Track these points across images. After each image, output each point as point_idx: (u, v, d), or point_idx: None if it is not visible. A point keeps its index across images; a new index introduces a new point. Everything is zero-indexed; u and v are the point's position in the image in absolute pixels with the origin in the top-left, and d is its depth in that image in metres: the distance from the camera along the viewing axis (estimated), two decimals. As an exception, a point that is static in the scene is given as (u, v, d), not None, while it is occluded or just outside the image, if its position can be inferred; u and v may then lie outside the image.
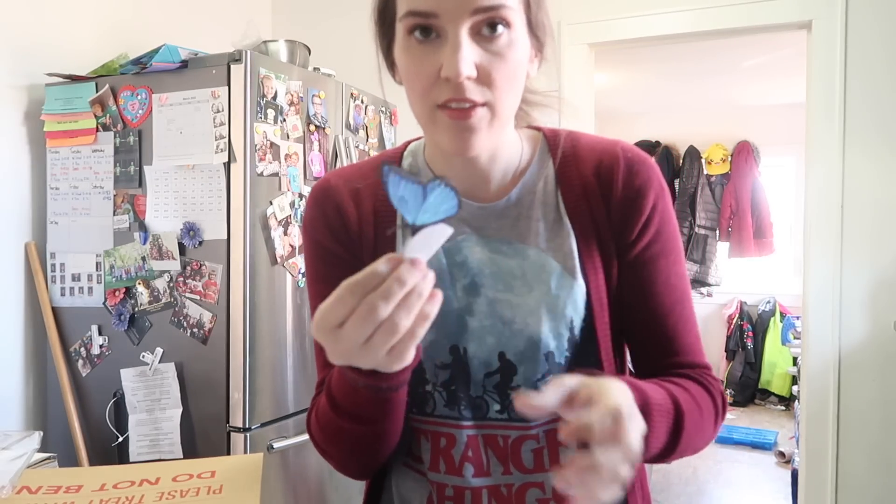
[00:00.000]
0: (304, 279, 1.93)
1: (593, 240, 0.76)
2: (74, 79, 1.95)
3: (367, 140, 2.25)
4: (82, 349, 1.91)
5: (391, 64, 0.74)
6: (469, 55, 0.64)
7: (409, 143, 0.85)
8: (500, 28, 0.65)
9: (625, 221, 0.75)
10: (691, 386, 0.74)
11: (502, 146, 0.76)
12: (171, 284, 1.82)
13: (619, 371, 0.80)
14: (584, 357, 0.76)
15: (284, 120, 1.86)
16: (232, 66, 1.75)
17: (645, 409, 0.62)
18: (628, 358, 0.82)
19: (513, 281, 0.75)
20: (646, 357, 0.79)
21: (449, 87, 0.64)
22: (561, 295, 0.74)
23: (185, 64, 1.80)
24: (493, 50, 0.65)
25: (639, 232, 0.75)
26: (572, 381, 0.57)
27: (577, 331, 0.75)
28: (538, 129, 0.83)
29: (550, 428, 0.76)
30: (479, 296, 0.75)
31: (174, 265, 1.81)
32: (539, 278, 0.75)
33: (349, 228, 0.79)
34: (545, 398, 0.55)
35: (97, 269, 1.92)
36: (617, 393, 0.56)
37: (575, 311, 0.74)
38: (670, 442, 0.68)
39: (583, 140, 0.80)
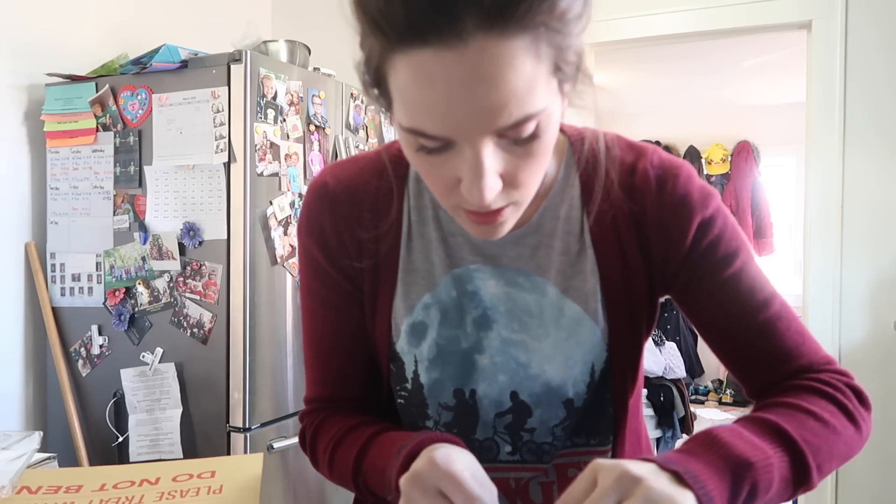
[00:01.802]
0: (304, 279, 1.93)
1: (620, 275, 0.68)
2: (74, 79, 1.95)
3: (367, 140, 2.25)
4: (82, 349, 1.91)
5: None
6: (493, 172, 0.53)
7: None
8: (527, 132, 0.52)
9: (667, 242, 0.68)
10: (802, 399, 0.62)
11: None
12: (171, 284, 1.81)
13: (625, 407, 0.74)
14: (599, 394, 0.71)
15: (284, 120, 1.86)
16: (232, 66, 1.74)
17: (739, 473, 0.54)
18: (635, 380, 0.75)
19: (529, 320, 0.69)
20: (755, 376, 0.69)
21: (472, 203, 0.55)
22: (582, 341, 0.68)
23: (185, 64, 1.80)
24: (519, 152, 0.54)
25: (691, 245, 0.67)
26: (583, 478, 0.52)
27: (597, 374, 0.70)
28: (561, 129, 0.72)
29: (561, 462, 0.73)
30: (491, 330, 0.70)
31: (174, 265, 1.81)
32: (557, 323, 0.69)
33: (346, 246, 0.72)
34: None
35: (97, 269, 1.91)
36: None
37: (596, 356, 0.69)
38: (797, 479, 0.58)
39: (612, 151, 0.69)
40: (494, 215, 0.57)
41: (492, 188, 0.53)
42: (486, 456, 0.72)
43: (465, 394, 0.71)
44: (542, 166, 0.57)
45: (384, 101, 0.57)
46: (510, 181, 0.55)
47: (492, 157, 0.52)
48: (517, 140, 0.53)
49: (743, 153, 5.35)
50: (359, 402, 0.77)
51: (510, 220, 0.59)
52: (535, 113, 0.51)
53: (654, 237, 0.68)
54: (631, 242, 0.68)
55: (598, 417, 0.73)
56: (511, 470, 0.72)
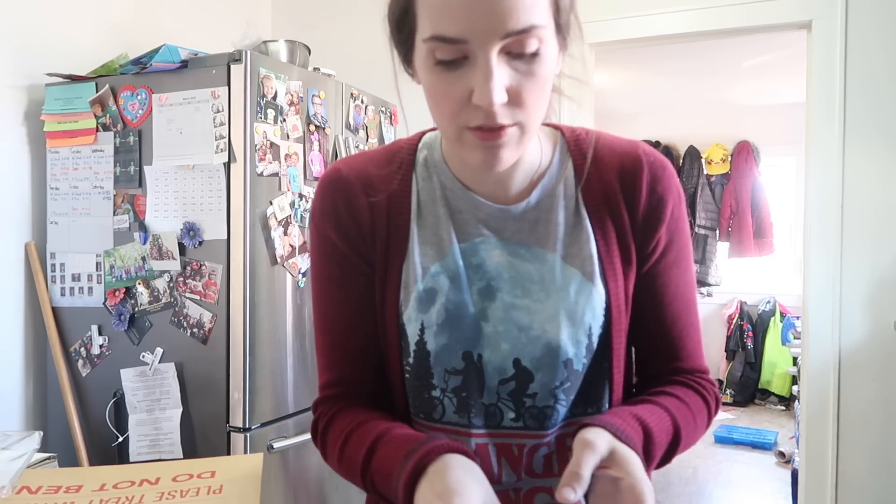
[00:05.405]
0: (304, 279, 1.93)
1: (614, 244, 0.75)
2: (74, 79, 1.95)
3: (367, 140, 2.25)
4: (82, 349, 1.91)
5: (410, 67, 0.71)
6: (501, 81, 0.62)
7: (423, 133, 0.82)
8: (531, 47, 0.62)
9: (646, 230, 0.76)
10: (686, 394, 0.77)
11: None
12: (171, 284, 1.81)
13: (627, 375, 0.79)
14: (598, 363, 0.75)
15: (284, 120, 1.86)
16: (232, 66, 1.75)
17: (648, 446, 0.69)
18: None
19: (531, 286, 0.74)
20: (648, 362, 0.81)
21: (480, 113, 0.63)
22: (580, 301, 0.73)
23: (185, 64, 1.80)
24: (523, 69, 0.63)
25: (656, 242, 0.76)
26: (600, 448, 0.60)
27: (595, 337, 0.74)
28: (556, 126, 0.80)
29: (561, 433, 0.75)
30: (495, 300, 0.74)
31: (174, 265, 1.81)
32: (558, 284, 0.74)
33: (360, 224, 0.77)
34: (582, 477, 0.58)
35: (97, 269, 1.92)
36: (641, 475, 0.60)
37: (594, 317, 0.73)
38: (666, 458, 0.74)
39: (602, 140, 0.78)
40: (499, 133, 0.64)
41: (500, 92, 0.61)
42: (490, 421, 0.75)
43: (473, 357, 0.73)
44: (543, 93, 0.65)
45: (407, 30, 0.67)
46: (515, 98, 0.63)
47: (500, 69, 0.62)
48: (521, 55, 0.62)
49: (743, 153, 5.36)
50: (373, 387, 0.79)
51: (513, 146, 0.66)
52: (537, 25, 0.61)
53: (641, 219, 0.76)
54: (622, 220, 0.75)
55: (597, 387, 0.76)
56: (514, 436, 0.75)
